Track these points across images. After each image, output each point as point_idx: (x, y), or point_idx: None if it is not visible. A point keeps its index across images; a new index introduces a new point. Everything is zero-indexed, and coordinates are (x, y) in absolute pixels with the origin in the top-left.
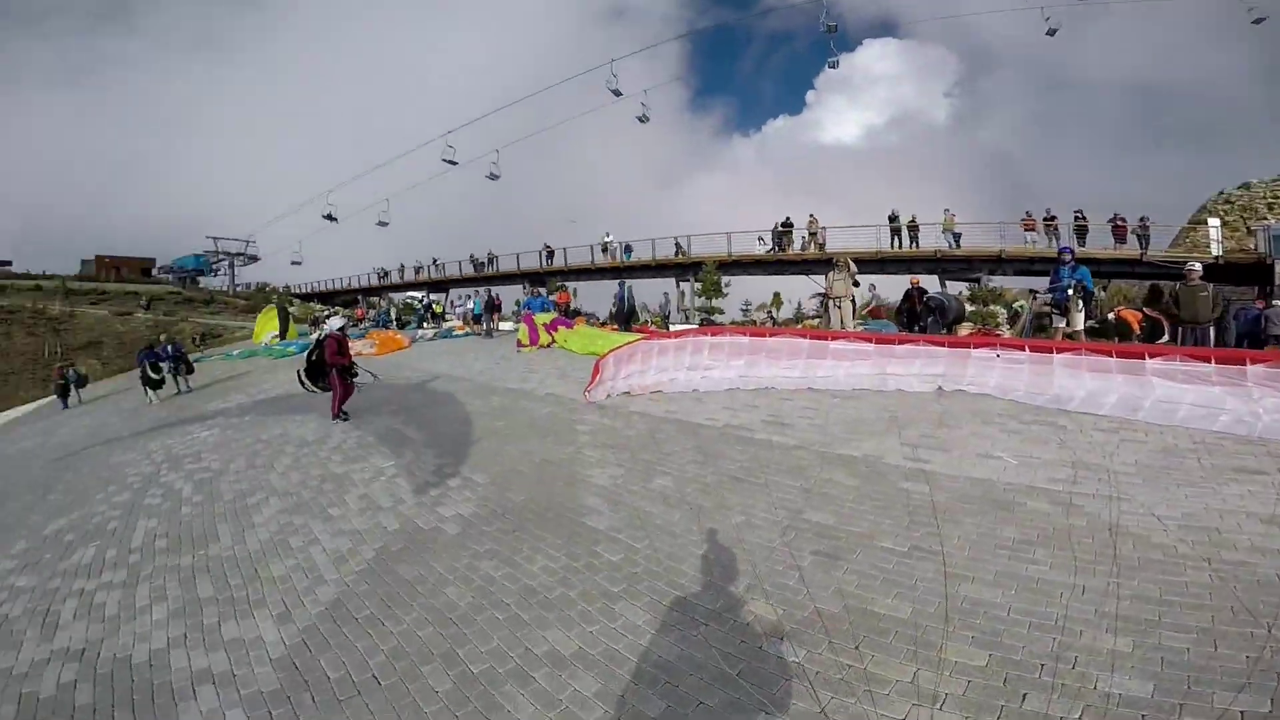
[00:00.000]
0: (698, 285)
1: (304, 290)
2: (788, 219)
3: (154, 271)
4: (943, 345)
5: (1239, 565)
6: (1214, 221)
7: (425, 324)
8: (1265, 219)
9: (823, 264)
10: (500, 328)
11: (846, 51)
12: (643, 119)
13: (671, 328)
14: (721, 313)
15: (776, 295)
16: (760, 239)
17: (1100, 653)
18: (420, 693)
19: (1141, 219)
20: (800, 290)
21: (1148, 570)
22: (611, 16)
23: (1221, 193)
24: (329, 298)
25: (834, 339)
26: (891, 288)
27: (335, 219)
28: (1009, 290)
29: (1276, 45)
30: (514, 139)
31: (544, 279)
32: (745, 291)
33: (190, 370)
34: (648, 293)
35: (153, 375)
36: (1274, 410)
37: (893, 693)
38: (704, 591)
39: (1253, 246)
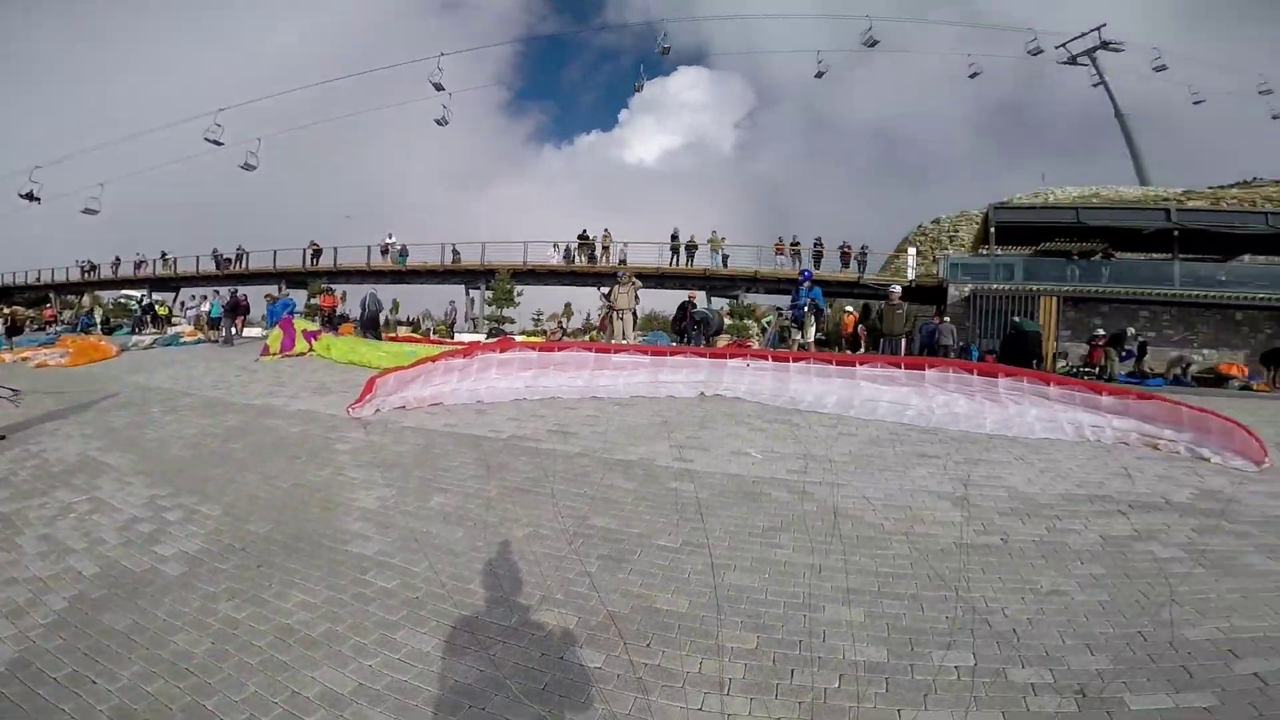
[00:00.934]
0: (489, 294)
1: None
2: (584, 231)
3: None
4: (704, 356)
5: (927, 536)
6: (912, 251)
7: (142, 329)
8: (946, 250)
9: (612, 277)
10: (246, 334)
11: (663, 76)
12: (442, 122)
13: (457, 336)
14: (512, 322)
15: (567, 306)
16: (556, 246)
17: (841, 624)
18: None
19: (863, 247)
20: (592, 302)
21: (865, 546)
22: (443, 9)
23: (920, 226)
24: (5, 294)
25: (617, 352)
26: (671, 302)
27: (38, 199)
28: (759, 306)
29: (978, 102)
30: (289, 127)
31: (306, 280)
32: (539, 301)
33: None
34: (434, 300)
35: None
36: (943, 405)
37: (686, 684)
38: (496, 608)
39: (936, 272)
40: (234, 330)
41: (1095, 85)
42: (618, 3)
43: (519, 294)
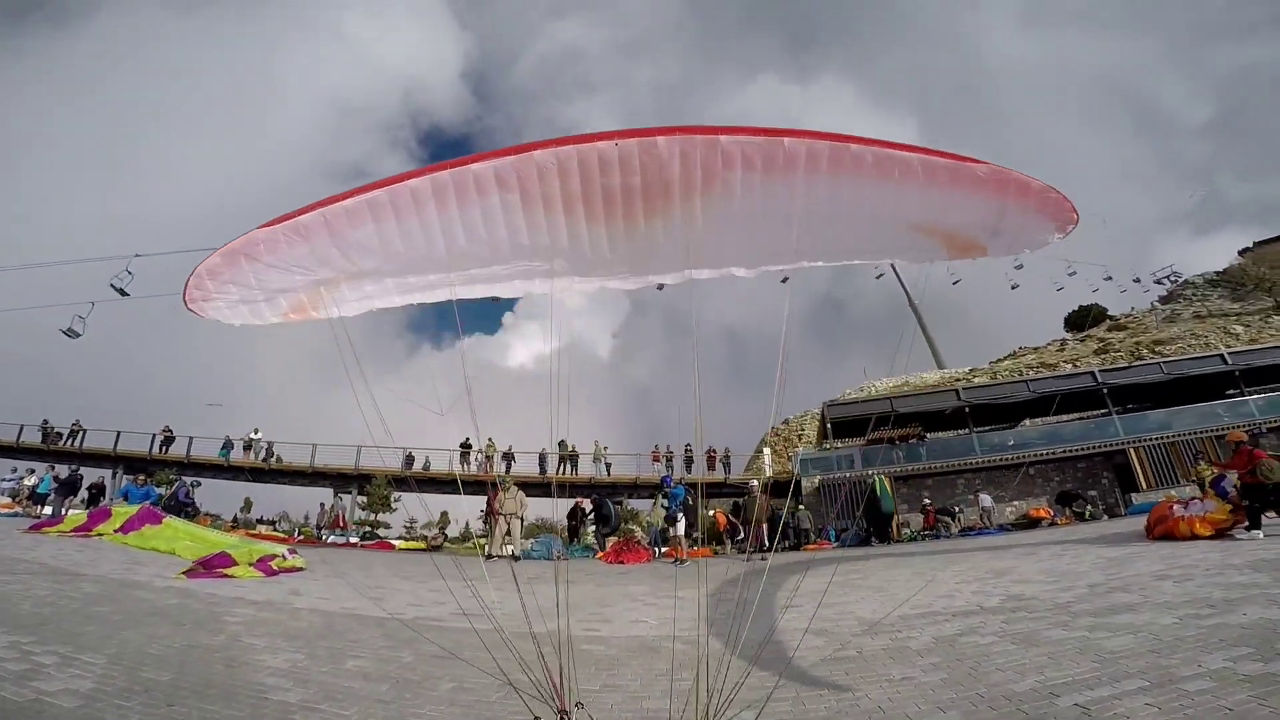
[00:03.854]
0: (362, 499)
1: None
2: (467, 439)
3: None
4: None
5: (802, 656)
6: (766, 451)
7: None
8: (797, 447)
9: (492, 486)
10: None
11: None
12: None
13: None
14: (388, 527)
15: (444, 514)
16: (465, 455)
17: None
18: None
19: (726, 450)
20: (471, 510)
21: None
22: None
23: (772, 427)
24: None
25: None
26: (559, 510)
27: None
28: (641, 512)
29: (803, 299)
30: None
31: (149, 468)
32: (413, 509)
33: None
34: (306, 501)
35: None
36: None
37: None
38: None
39: (792, 469)
40: (63, 510)
41: (879, 277)
42: None
43: (396, 500)
